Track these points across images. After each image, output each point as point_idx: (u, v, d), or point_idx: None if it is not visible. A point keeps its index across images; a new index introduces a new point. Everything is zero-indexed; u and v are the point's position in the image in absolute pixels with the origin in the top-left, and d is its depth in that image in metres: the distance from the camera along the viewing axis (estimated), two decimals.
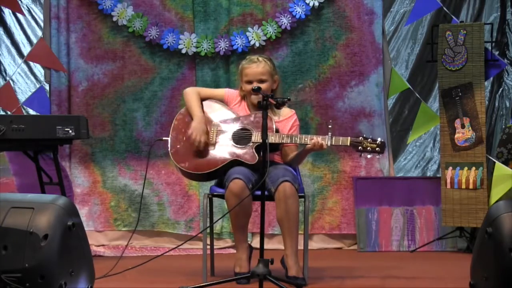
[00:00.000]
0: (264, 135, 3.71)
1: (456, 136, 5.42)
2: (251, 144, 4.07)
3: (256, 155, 4.03)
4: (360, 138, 4.00)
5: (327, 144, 3.97)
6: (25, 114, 5.69)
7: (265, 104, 3.74)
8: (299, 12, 5.66)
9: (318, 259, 4.95)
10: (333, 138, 3.98)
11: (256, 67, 4.18)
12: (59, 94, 5.71)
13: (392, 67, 5.77)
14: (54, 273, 2.84)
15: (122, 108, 5.75)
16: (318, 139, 3.98)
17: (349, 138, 3.98)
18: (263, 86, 4.13)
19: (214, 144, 4.11)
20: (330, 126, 4.00)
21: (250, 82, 4.19)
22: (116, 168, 5.73)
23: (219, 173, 4.12)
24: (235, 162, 4.06)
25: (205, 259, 4.10)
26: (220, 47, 5.65)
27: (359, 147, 3.98)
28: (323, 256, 5.27)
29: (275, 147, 4.09)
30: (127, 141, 5.75)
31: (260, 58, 4.24)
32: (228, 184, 3.99)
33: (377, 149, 3.99)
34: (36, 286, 2.82)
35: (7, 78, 5.93)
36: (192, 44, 5.66)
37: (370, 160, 5.71)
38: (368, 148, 3.99)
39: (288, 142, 4.06)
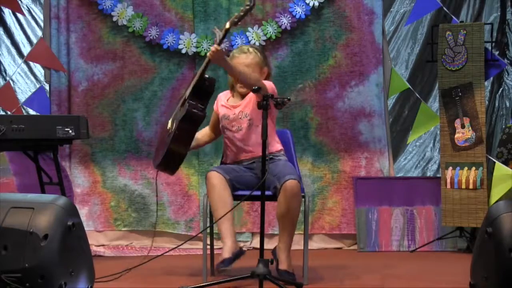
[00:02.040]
0: (264, 136, 3.71)
1: (456, 136, 5.42)
2: (183, 99, 4.11)
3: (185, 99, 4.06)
4: (234, 16, 3.95)
5: (217, 44, 3.94)
6: (25, 114, 5.69)
7: (265, 104, 3.75)
8: (299, 12, 5.67)
9: (318, 259, 4.95)
10: (218, 36, 3.97)
11: (245, 58, 4.22)
12: (59, 94, 5.71)
13: (392, 67, 5.77)
14: (54, 273, 2.85)
15: (122, 108, 5.75)
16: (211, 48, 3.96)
17: (227, 23, 3.94)
18: None
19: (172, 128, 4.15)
20: (216, 33, 3.99)
21: None
22: (116, 168, 5.73)
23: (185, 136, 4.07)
24: (184, 117, 4.00)
25: (205, 259, 4.10)
26: (220, 47, 5.64)
27: (235, 20, 3.93)
28: (323, 256, 5.27)
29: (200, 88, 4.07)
30: (127, 141, 5.75)
31: (251, 49, 4.26)
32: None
33: (247, 5, 3.93)
34: (36, 286, 2.83)
35: (7, 78, 5.93)
36: (192, 44, 5.66)
37: (370, 160, 5.71)
38: (241, 13, 3.93)
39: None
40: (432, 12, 5.90)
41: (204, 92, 4.07)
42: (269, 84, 4.17)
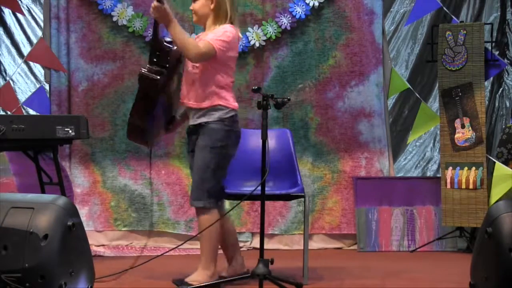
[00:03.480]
0: (264, 136, 3.71)
1: (456, 136, 5.42)
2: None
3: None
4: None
5: (157, 1, 3.75)
6: (25, 114, 5.69)
7: (265, 104, 3.74)
8: (299, 12, 5.66)
9: (318, 259, 4.95)
10: None
11: None
12: (59, 94, 5.71)
13: (392, 67, 5.77)
14: (54, 273, 2.85)
15: (122, 108, 5.75)
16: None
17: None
18: (195, 7, 4.00)
19: None
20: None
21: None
22: (116, 168, 5.73)
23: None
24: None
25: None
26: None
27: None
28: (323, 256, 5.27)
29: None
30: (127, 141, 5.72)
31: None
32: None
33: None
34: (36, 286, 2.83)
35: (7, 78, 5.93)
36: None
37: (370, 160, 5.71)
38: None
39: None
40: (432, 12, 5.90)
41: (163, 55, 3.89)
42: (210, 42, 3.85)
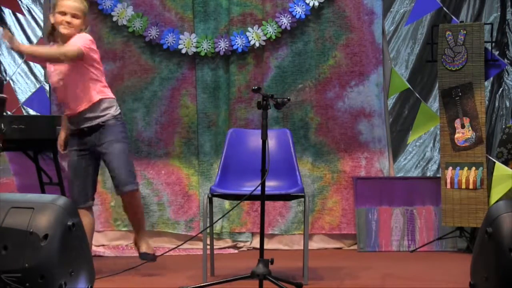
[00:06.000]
0: (264, 136, 3.71)
1: (456, 136, 5.42)
2: None
3: None
4: None
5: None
6: (25, 114, 5.70)
7: (265, 104, 3.75)
8: (299, 12, 5.67)
9: (318, 259, 4.95)
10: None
11: (73, 1, 4.26)
12: None
13: (392, 67, 5.77)
14: (54, 273, 2.84)
15: (122, 108, 5.72)
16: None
17: None
18: (74, 21, 4.21)
19: None
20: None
21: (64, 13, 4.21)
22: None
23: None
24: None
25: (205, 259, 4.10)
26: (220, 47, 5.65)
27: None
28: (323, 256, 5.27)
29: None
30: (126, 141, 5.73)
31: None
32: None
33: None
34: (36, 286, 2.82)
35: (7, 78, 5.94)
36: (192, 44, 5.66)
37: (370, 160, 5.71)
38: None
39: None
40: (432, 12, 5.91)
41: None
42: (75, 45, 4.14)
